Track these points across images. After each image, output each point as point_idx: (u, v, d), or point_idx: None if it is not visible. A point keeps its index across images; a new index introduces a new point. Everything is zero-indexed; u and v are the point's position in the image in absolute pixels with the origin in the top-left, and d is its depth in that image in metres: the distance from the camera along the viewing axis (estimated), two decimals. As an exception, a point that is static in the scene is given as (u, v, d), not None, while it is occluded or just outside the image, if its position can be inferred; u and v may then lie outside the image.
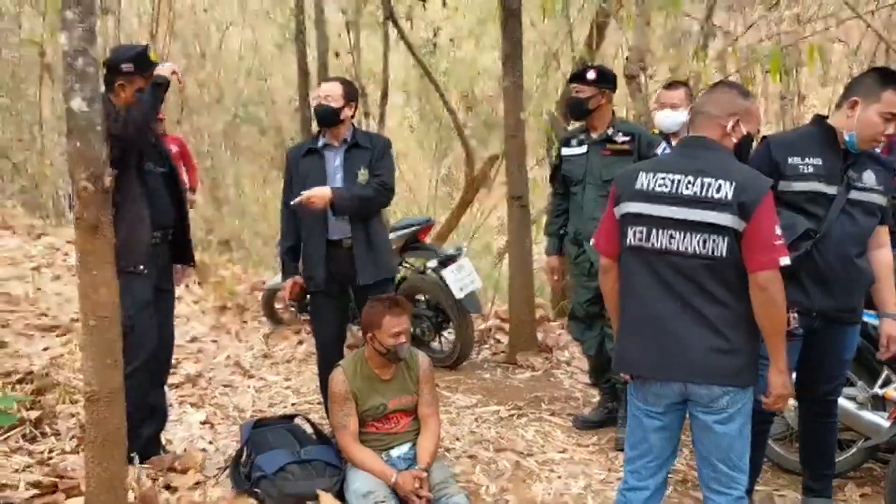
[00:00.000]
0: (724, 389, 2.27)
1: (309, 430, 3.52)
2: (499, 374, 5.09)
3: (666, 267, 2.28)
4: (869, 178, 2.74)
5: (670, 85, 4.24)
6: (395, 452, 3.16)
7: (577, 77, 3.81)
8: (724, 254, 2.21)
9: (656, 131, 4.35)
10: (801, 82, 8.58)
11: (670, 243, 2.26)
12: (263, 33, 10.59)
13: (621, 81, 4.36)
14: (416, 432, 3.22)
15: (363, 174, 3.55)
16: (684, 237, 2.24)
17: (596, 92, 3.74)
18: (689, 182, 2.25)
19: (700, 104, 2.41)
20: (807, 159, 2.75)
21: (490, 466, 3.63)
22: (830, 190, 2.70)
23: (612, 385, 4.02)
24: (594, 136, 3.80)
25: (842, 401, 3.30)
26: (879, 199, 2.75)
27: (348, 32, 8.08)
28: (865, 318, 2.92)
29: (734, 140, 2.33)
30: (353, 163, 3.55)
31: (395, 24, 7.01)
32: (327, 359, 3.40)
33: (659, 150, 3.64)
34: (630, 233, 2.34)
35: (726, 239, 2.20)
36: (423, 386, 3.23)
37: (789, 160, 2.76)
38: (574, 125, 4.60)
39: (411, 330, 3.51)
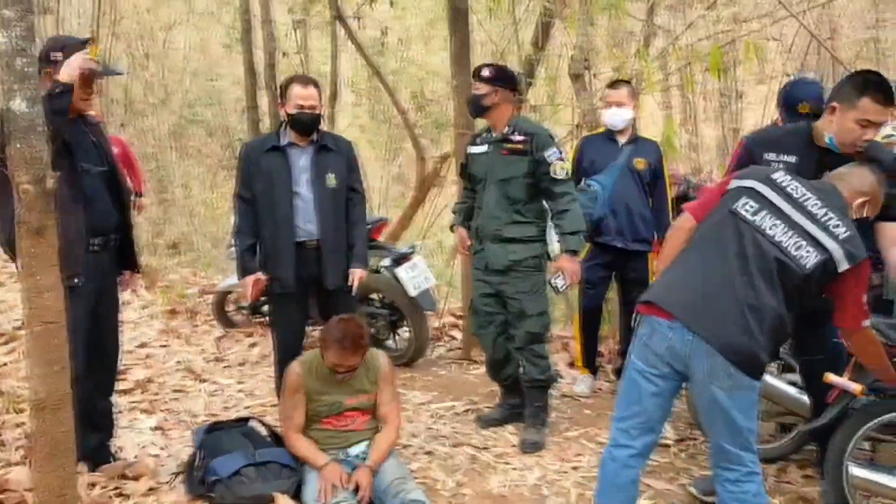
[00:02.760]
0: (738, 370, 2.34)
1: (264, 432, 3.50)
2: (454, 370, 5.13)
3: (753, 242, 2.41)
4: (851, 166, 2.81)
5: (615, 84, 4.34)
6: (353, 451, 3.17)
7: (475, 74, 3.82)
8: (807, 268, 2.37)
9: (602, 129, 4.45)
10: (738, 80, 8.83)
11: (772, 230, 2.41)
12: (209, 33, 10.44)
13: (582, 80, 4.46)
14: (375, 431, 3.23)
15: (332, 179, 3.56)
16: (786, 233, 2.40)
17: (491, 90, 3.73)
18: (816, 204, 2.45)
19: (853, 172, 2.62)
20: (781, 156, 2.86)
21: (447, 461, 3.66)
22: None
23: (514, 381, 3.99)
24: (495, 134, 3.82)
25: (783, 385, 3.44)
26: None
27: (296, 32, 8.02)
28: None
29: (855, 215, 2.55)
30: (323, 166, 3.55)
31: (344, 23, 6.98)
32: (287, 361, 3.36)
33: (549, 153, 3.67)
34: (742, 202, 2.48)
35: (819, 259, 2.37)
36: (383, 385, 3.24)
37: (765, 156, 2.88)
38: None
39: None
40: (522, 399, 3.97)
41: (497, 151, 3.78)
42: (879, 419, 2.81)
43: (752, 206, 2.44)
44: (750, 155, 2.92)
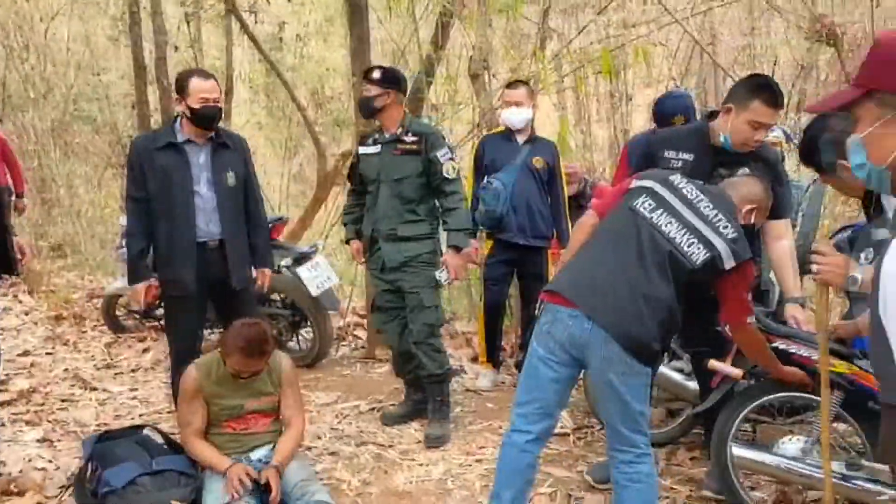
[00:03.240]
0: (631, 357, 2.44)
1: (160, 440, 3.37)
2: (358, 369, 5.11)
3: (649, 237, 2.53)
4: (743, 174, 2.98)
5: (513, 84, 4.44)
6: (255, 455, 3.10)
7: (365, 77, 3.85)
8: (697, 263, 2.51)
9: (502, 128, 4.55)
10: (627, 82, 9.22)
11: (667, 227, 2.54)
12: (94, 25, 9.92)
13: (484, 80, 4.51)
14: (278, 434, 3.17)
15: (231, 177, 3.47)
16: (679, 230, 2.53)
17: (382, 91, 3.77)
18: (708, 206, 2.59)
19: (740, 182, 2.79)
20: (680, 154, 3.04)
21: (352, 461, 3.65)
22: None
23: (417, 376, 4.04)
24: (386, 135, 3.86)
25: (670, 372, 3.63)
26: None
27: (188, 25, 7.74)
28: None
29: (742, 221, 2.67)
30: (222, 163, 3.47)
31: (239, 17, 6.81)
32: (183, 365, 3.23)
33: (441, 153, 3.76)
34: (640, 200, 2.61)
35: (707, 256, 2.51)
36: (286, 388, 3.19)
37: (665, 153, 3.05)
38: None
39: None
40: (426, 395, 4.02)
41: (389, 152, 3.83)
42: (758, 401, 3.00)
43: (649, 205, 2.58)
44: (648, 149, 3.10)
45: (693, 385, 3.54)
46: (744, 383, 3.06)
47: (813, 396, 2.89)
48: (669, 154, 3.05)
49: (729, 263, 2.53)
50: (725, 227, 2.56)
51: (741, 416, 3.00)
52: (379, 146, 3.86)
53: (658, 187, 2.62)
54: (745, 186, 2.78)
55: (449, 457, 3.70)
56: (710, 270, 2.54)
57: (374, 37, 5.90)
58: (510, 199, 4.31)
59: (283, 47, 8.42)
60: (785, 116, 6.85)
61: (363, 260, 4.15)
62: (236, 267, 3.50)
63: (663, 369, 3.59)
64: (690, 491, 3.29)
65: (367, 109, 3.84)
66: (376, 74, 3.78)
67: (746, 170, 2.98)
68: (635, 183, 2.69)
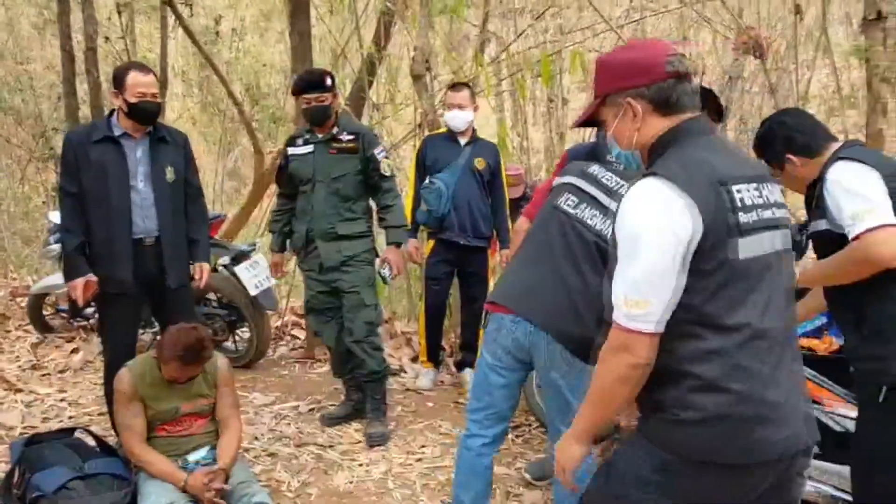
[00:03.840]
0: (567, 356, 2.51)
1: (92, 443, 3.28)
2: (297, 369, 5.07)
3: (576, 233, 2.55)
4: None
5: (456, 86, 4.49)
6: (192, 457, 3.04)
7: (317, 86, 3.79)
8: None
9: (444, 129, 4.59)
10: (564, 87, 9.40)
11: (591, 220, 2.56)
12: (19, 12, 9.49)
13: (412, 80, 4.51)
14: (214, 435, 3.13)
15: (170, 172, 3.39)
16: (604, 221, 2.54)
17: (332, 97, 3.80)
18: (623, 186, 2.58)
19: None
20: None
21: (291, 462, 3.63)
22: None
23: (356, 376, 4.04)
24: (320, 135, 3.86)
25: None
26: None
27: (119, 15, 7.50)
28: None
29: None
30: (160, 158, 3.39)
31: (174, 9, 6.64)
32: (118, 366, 3.13)
33: (377, 150, 3.82)
34: (563, 197, 2.63)
35: None
36: (222, 389, 3.14)
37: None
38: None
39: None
40: (366, 395, 4.02)
41: (324, 151, 3.83)
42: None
43: (572, 201, 2.63)
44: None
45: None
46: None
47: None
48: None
49: None
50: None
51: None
52: (311, 146, 3.86)
53: (578, 181, 2.65)
54: None
55: (390, 456, 3.71)
56: None
57: (313, 34, 5.85)
58: (452, 200, 4.36)
59: (218, 41, 8.24)
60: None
61: (280, 274, 4.26)
62: (173, 265, 3.43)
63: (591, 368, 3.69)
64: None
65: (323, 118, 3.82)
66: (329, 82, 3.78)
67: None
68: (557, 181, 2.74)
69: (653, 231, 1.56)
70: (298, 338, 5.68)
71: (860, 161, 2.24)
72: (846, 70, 6.78)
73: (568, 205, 2.63)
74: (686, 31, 8.80)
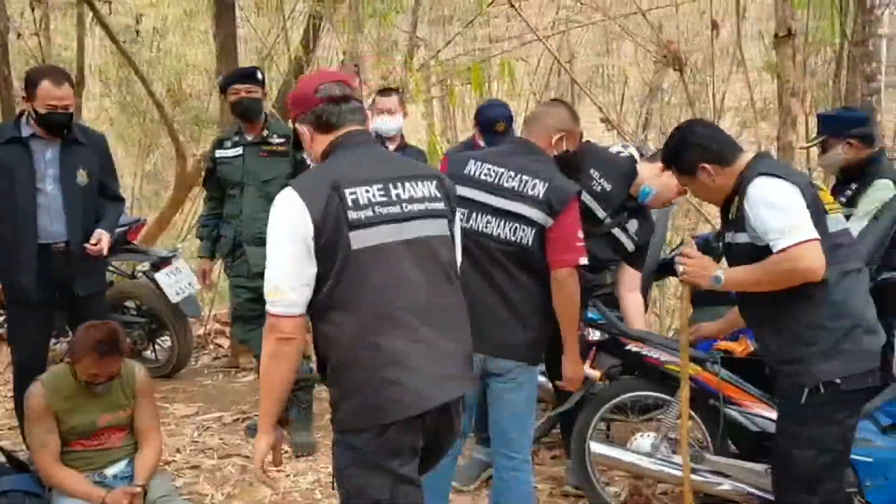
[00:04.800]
0: (517, 364, 2.54)
1: (1, 458, 3.11)
2: (221, 379, 4.96)
3: (480, 248, 2.51)
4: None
5: (385, 91, 4.46)
6: (110, 471, 2.93)
7: (249, 78, 3.76)
8: (530, 244, 2.49)
9: (373, 134, 4.56)
10: (493, 95, 9.51)
11: (486, 228, 2.52)
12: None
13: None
14: (133, 448, 3.01)
15: (83, 175, 3.25)
16: (498, 223, 2.50)
17: (263, 93, 3.77)
18: (510, 176, 2.53)
19: (537, 114, 2.74)
20: (602, 179, 3.12)
21: (215, 474, 3.55)
22: None
23: None
24: (249, 137, 3.82)
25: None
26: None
27: (33, 11, 7.16)
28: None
29: (555, 152, 2.64)
30: (72, 160, 3.25)
31: (91, 5, 6.39)
32: (28, 378, 3.00)
33: (306, 153, 3.80)
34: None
35: (534, 231, 2.49)
36: (141, 399, 3.03)
37: (591, 170, 3.09)
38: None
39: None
40: (290, 404, 3.95)
41: (254, 154, 3.77)
42: (613, 401, 3.20)
43: (462, 214, 2.51)
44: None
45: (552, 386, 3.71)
46: (601, 384, 3.25)
47: (662, 395, 3.13)
48: (595, 173, 3.10)
49: (550, 223, 2.49)
50: (534, 187, 2.50)
51: (598, 415, 3.19)
52: (241, 148, 3.79)
53: (461, 190, 2.50)
54: (549, 117, 2.71)
55: (317, 466, 3.66)
56: (543, 238, 2.51)
57: (239, 34, 5.74)
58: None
59: (139, 40, 7.97)
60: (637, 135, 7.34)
61: (208, 282, 4.18)
62: (80, 271, 3.29)
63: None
64: (552, 489, 3.45)
65: (253, 112, 3.75)
66: (259, 76, 3.71)
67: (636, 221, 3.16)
68: None
69: (280, 231, 1.89)
70: (222, 346, 5.55)
71: (780, 177, 2.32)
72: (759, 84, 7.09)
73: (459, 220, 2.50)
74: (609, 44, 9.07)
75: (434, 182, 2.07)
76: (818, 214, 2.32)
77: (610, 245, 3.15)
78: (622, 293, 3.27)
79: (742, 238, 2.38)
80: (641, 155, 4.48)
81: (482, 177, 2.57)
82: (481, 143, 3.86)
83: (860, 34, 4.50)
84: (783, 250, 2.22)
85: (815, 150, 4.01)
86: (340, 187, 1.90)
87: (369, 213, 1.91)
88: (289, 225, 1.87)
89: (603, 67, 9.84)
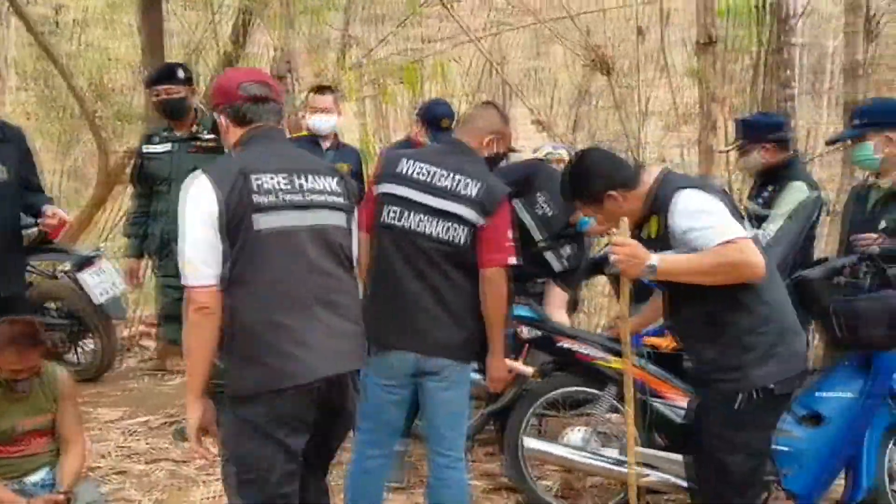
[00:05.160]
0: (450, 362, 2.55)
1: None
2: (147, 382, 4.85)
3: (413, 247, 2.52)
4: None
5: (320, 89, 4.43)
6: (31, 479, 2.82)
7: (167, 78, 3.71)
8: (463, 243, 2.51)
9: (305, 132, 4.52)
10: (426, 95, 9.54)
11: (419, 226, 2.52)
12: None
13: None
14: (56, 454, 2.91)
15: (2, 171, 3.12)
16: (431, 222, 2.51)
17: (188, 91, 3.73)
18: (443, 175, 2.54)
19: (469, 116, 2.78)
20: (549, 200, 3.22)
21: (143, 479, 3.47)
22: None
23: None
24: (179, 133, 3.77)
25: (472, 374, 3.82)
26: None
27: (-58, -1, 6.81)
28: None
29: (486, 153, 2.66)
30: None
31: (7, -5, 6.12)
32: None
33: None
34: (385, 211, 2.56)
35: (466, 230, 2.51)
36: (64, 403, 2.92)
37: (538, 194, 3.21)
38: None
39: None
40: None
41: (184, 150, 3.72)
42: (546, 397, 3.27)
43: (395, 212, 2.56)
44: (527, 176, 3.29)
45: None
46: (534, 381, 3.32)
47: (592, 390, 3.22)
48: (541, 197, 3.21)
49: (482, 222, 2.52)
50: (467, 186, 2.53)
51: (531, 411, 3.25)
52: (170, 144, 3.73)
53: (393, 187, 2.58)
54: (481, 119, 2.75)
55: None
56: (475, 236, 2.54)
57: (166, 28, 5.60)
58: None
59: (59, 32, 7.66)
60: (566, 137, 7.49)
61: (137, 281, 4.11)
62: (3, 271, 3.16)
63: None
64: (486, 485, 3.50)
65: (178, 111, 3.69)
66: (183, 74, 3.65)
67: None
68: (376, 191, 2.66)
69: (191, 210, 2.07)
70: (148, 348, 5.41)
71: (700, 188, 2.37)
72: (683, 89, 7.34)
73: (392, 218, 2.57)
74: (540, 47, 9.22)
75: (335, 178, 2.25)
76: (738, 221, 2.38)
77: (538, 262, 3.22)
78: (547, 310, 3.34)
79: (671, 255, 2.36)
80: (570, 155, 4.60)
81: (416, 175, 2.58)
82: (422, 139, 3.88)
83: (776, 43, 4.71)
84: (728, 241, 2.21)
85: (735, 153, 4.18)
86: (248, 173, 2.08)
87: (274, 198, 2.09)
88: (198, 205, 2.05)
89: (535, 70, 9.99)
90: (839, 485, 3.15)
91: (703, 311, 2.38)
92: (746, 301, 2.34)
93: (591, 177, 2.46)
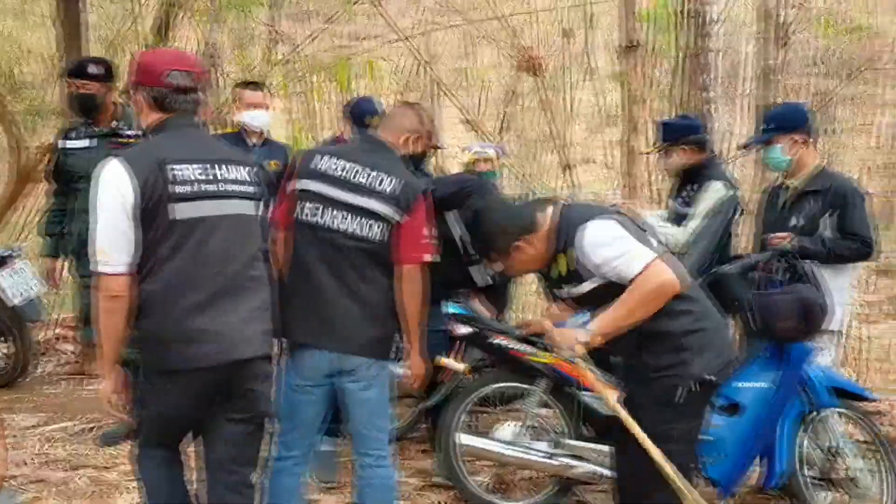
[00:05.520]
0: (367, 360, 2.54)
1: None
2: (67, 387, 4.69)
3: (330, 244, 2.50)
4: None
5: (251, 85, 4.36)
6: (-58, 490, 2.68)
7: (79, 73, 3.64)
8: (380, 240, 2.51)
9: (231, 129, 4.44)
10: (356, 92, 9.46)
11: (336, 223, 2.50)
12: None
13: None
14: (-31, 464, 2.78)
15: None
16: (349, 219, 2.50)
17: (104, 87, 3.66)
18: (360, 172, 2.53)
19: (390, 114, 2.77)
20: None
21: (63, 488, 3.34)
22: None
23: None
24: (100, 129, 3.71)
25: (399, 370, 3.83)
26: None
27: None
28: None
29: (404, 151, 2.66)
30: None
31: None
32: None
33: None
34: (303, 208, 2.54)
35: (386, 227, 2.51)
36: (-23, 409, 2.81)
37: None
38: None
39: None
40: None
41: (104, 146, 3.62)
42: (478, 393, 3.32)
43: (312, 209, 2.54)
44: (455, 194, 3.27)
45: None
46: (467, 378, 3.36)
47: (524, 385, 3.28)
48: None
49: (398, 218, 2.52)
50: (382, 183, 2.53)
51: (465, 407, 3.29)
52: (90, 140, 3.63)
53: (310, 184, 2.56)
54: (398, 118, 2.76)
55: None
56: (392, 230, 2.53)
57: (83, 19, 5.39)
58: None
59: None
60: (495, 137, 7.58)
61: (55, 282, 4.03)
62: None
63: (392, 368, 3.78)
64: (421, 482, 3.52)
65: (87, 107, 3.58)
66: (95, 70, 3.54)
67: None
68: (291, 187, 2.62)
69: (104, 197, 2.08)
70: (66, 352, 5.20)
71: (600, 218, 2.46)
72: (608, 91, 7.54)
73: (309, 215, 2.55)
74: (470, 47, 9.30)
75: (248, 169, 2.29)
76: (642, 237, 2.48)
77: (462, 273, 3.27)
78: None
79: (586, 287, 2.46)
80: (502, 154, 4.68)
81: (333, 172, 2.56)
82: (347, 137, 3.88)
83: (695, 48, 4.89)
84: (639, 274, 2.34)
85: (656, 154, 4.32)
86: (165, 163, 2.11)
87: (190, 188, 2.14)
88: (111, 191, 2.07)
89: (464, 70, 10.06)
90: (756, 471, 3.31)
91: (636, 332, 2.44)
92: (675, 308, 2.43)
93: (494, 235, 2.58)
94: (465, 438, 3.25)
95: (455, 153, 7.26)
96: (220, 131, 4.80)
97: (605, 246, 2.39)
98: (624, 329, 2.41)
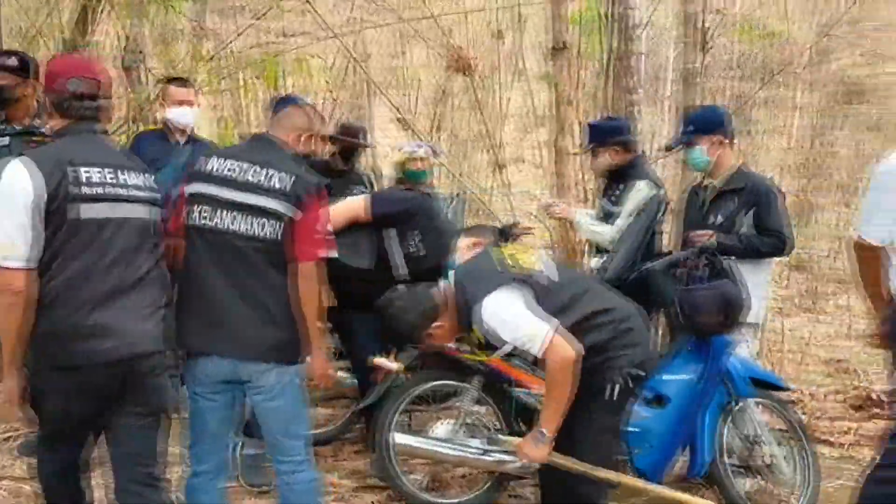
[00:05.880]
0: (269, 366, 2.48)
1: None
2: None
3: (226, 247, 2.45)
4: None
5: (178, 81, 4.24)
6: None
7: None
8: (273, 238, 2.46)
9: (156, 126, 4.32)
10: (287, 89, 9.32)
11: (231, 224, 2.45)
12: None
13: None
14: None
15: None
16: (244, 220, 2.45)
17: (19, 81, 3.50)
18: (254, 171, 2.49)
19: (284, 113, 2.72)
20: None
21: (-21, 501, 3.18)
22: None
23: None
24: (16, 126, 3.55)
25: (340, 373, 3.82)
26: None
27: None
28: None
29: (298, 150, 2.63)
30: None
31: None
32: None
33: None
34: (196, 212, 2.48)
35: (280, 225, 2.45)
36: None
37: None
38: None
39: None
40: None
41: (21, 144, 3.47)
42: (413, 392, 3.34)
43: (205, 212, 2.49)
44: None
45: (353, 381, 3.78)
46: (402, 377, 3.37)
47: (458, 383, 3.32)
48: (417, 235, 3.38)
49: (292, 214, 2.48)
50: (272, 179, 2.48)
51: (400, 406, 3.30)
52: (7, 138, 3.48)
53: (203, 187, 2.52)
54: (289, 117, 2.72)
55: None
56: (287, 227, 2.48)
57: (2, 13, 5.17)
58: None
59: None
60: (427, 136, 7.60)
61: None
62: None
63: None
64: (356, 483, 3.51)
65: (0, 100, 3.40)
66: (12, 62, 3.39)
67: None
68: (185, 191, 2.57)
69: (9, 194, 2.14)
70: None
71: (489, 292, 2.56)
72: (539, 92, 7.65)
73: (204, 218, 2.49)
74: (402, 46, 9.29)
75: (144, 176, 2.40)
76: (523, 287, 2.59)
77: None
78: None
79: (507, 349, 2.64)
80: (435, 153, 4.70)
81: (225, 173, 2.51)
82: None
83: (621, 51, 5.02)
84: (542, 359, 2.53)
85: (585, 155, 4.42)
86: (73, 164, 2.20)
87: (101, 189, 2.23)
88: (13, 188, 2.13)
89: (397, 69, 10.04)
90: (681, 460, 3.43)
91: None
92: (596, 322, 2.62)
93: (404, 333, 2.72)
94: (400, 438, 3.26)
95: (387, 152, 7.26)
96: (143, 129, 4.66)
97: (504, 326, 2.54)
98: (567, 404, 2.54)
